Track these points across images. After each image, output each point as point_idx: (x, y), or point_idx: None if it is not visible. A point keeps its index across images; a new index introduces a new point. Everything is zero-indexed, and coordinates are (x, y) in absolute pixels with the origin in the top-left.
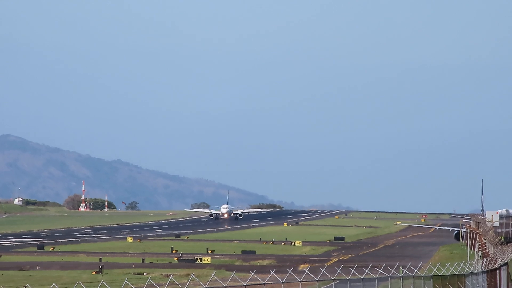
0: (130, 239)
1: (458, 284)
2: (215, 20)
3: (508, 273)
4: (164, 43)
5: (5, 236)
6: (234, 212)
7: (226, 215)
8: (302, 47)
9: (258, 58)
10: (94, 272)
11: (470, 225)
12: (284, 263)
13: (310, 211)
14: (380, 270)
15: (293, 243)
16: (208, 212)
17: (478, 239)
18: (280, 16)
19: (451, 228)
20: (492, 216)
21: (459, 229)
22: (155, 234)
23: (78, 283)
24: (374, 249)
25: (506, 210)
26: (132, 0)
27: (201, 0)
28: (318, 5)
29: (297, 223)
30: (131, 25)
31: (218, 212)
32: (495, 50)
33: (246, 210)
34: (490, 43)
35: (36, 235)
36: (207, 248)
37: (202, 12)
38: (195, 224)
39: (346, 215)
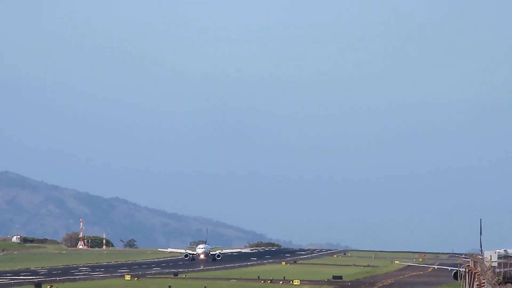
0: (128, 277)
1: None
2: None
3: None
4: (164, 80)
5: (3, 273)
6: (211, 253)
7: (202, 256)
8: (293, 82)
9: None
10: None
11: (469, 265)
12: None
13: (309, 250)
14: None
15: (291, 282)
16: (184, 253)
17: (476, 279)
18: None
19: (449, 268)
20: (491, 255)
21: (457, 268)
22: (153, 272)
23: None
24: None
25: (505, 250)
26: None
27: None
28: (317, 33)
29: (295, 262)
30: (130, 59)
31: (194, 253)
32: (495, 88)
33: (225, 251)
34: (488, 82)
35: (34, 272)
36: (205, 287)
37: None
38: (193, 262)
39: (345, 254)
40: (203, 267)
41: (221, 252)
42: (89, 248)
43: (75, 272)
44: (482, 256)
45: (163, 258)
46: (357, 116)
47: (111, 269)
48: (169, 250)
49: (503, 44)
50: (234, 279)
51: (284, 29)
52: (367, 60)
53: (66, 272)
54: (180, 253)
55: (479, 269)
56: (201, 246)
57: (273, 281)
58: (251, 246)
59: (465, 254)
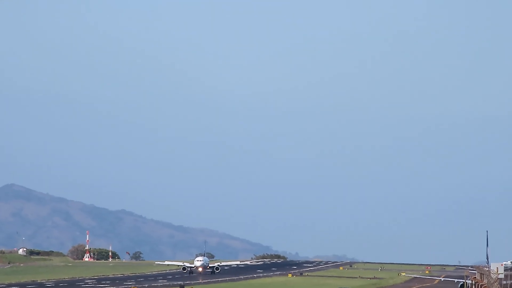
0: None
1: None
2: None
3: None
4: (168, 92)
5: (9, 286)
6: (210, 265)
7: (201, 269)
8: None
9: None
10: None
11: (475, 277)
12: None
13: (315, 262)
14: None
15: None
16: (181, 265)
17: None
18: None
19: (456, 280)
20: (497, 268)
21: (464, 280)
22: (159, 284)
23: None
24: None
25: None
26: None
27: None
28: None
29: (301, 274)
30: (141, 67)
31: (192, 266)
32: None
33: (223, 263)
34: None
35: (40, 285)
36: None
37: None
38: (204, 274)
39: (351, 266)
40: (201, 280)
41: (220, 265)
42: (96, 261)
43: (81, 284)
44: (488, 268)
45: (169, 270)
46: (357, 129)
47: (118, 282)
48: (167, 262)
49: None
50: None
51: (297, 47)
52: (386, 77)
53: (73, 284)
54: (178, 265)
55: (485, 281)
56: (199, 258)
57: None
58: (257, 258)
59: (472, 266)
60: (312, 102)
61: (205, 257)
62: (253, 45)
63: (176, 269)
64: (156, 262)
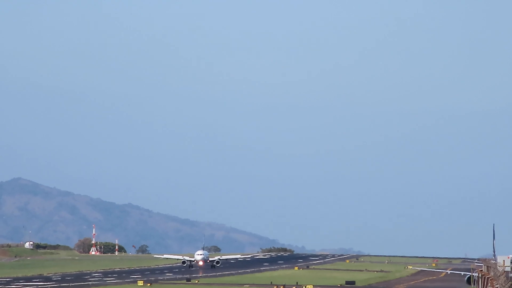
0: (140, 283)
1: None
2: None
3: None
4: (181, 87)
5: (16, 279)
6: (210, 259)
7: (201, 263)
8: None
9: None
10: None
11: (482, 270)
12: None
13: (321, 255)
14: None
15: (304, 287)
16: (181, 259)
17: (489, 284)
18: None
19: (462, 273)
20: (504, 260)
21: (470, 273)
22: (165, 277)
23: None
24: None
25: None
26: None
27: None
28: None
29: (308, 267)
30: (147, 64)
31: (192, 259)
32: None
33: (224, 257)
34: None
35: (47, 278)
36: None
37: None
38: (205, 268)
39: (357, 259)
40: (201, 273)
41: (221, 259)
42: (102, 254)
43: (88, 278)
44: (495, 261)
45: (175, 264)
46: (363, 122)
47: (124, 275)
48: (165, 256)
49: None
50: (247, 284)
51: (296, 39)
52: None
53: (79, 278)
54: (177, 259)
55: (492, 274)
56: (199, 252)
57: (286, 286)
58: (263, 251)
59: (478, 259)
60: (318, 97)
61: (205, 251)
62: (252, 40)
63: (176, 263)
64: (154, 256)
